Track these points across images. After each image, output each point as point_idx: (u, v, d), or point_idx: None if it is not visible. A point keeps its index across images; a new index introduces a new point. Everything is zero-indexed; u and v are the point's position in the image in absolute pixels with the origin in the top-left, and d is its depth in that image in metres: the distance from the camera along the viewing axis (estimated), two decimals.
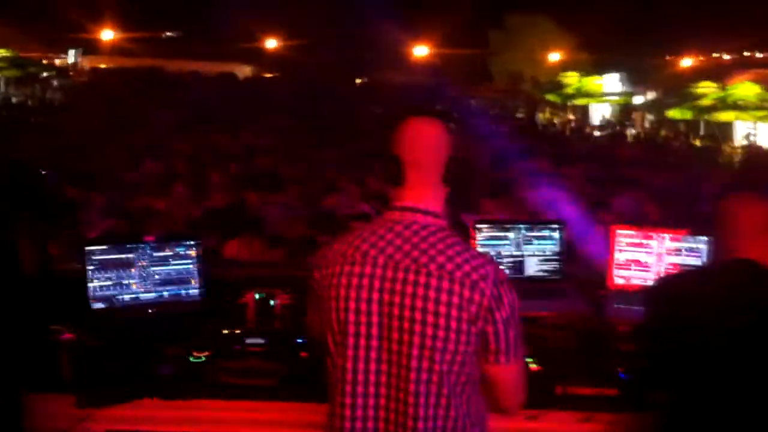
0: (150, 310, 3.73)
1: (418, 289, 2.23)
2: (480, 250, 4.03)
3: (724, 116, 18.47)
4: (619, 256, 4.04)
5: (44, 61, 30.97)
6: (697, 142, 20.36)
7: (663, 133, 22.76)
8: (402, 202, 2.36)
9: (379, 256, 2.29)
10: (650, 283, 3.91)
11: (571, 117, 27.23)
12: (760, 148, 18.78)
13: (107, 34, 30.66)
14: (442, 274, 2.22)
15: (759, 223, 2.50)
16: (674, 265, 3.94)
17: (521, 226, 4.12)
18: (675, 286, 2.63)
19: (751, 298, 2.42)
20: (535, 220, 4.44)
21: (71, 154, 11.18)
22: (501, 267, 3.94)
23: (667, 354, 2.50)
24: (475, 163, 12.41)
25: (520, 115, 27.84)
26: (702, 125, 21.31)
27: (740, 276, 2.46)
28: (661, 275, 2.71)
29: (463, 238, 3.98)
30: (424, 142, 2.36)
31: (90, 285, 3.65)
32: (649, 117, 25.04)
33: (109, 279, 3.67)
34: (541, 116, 27.86)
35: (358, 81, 35.05)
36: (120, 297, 3.70)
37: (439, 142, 2.37)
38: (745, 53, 35.37)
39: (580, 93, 25.95)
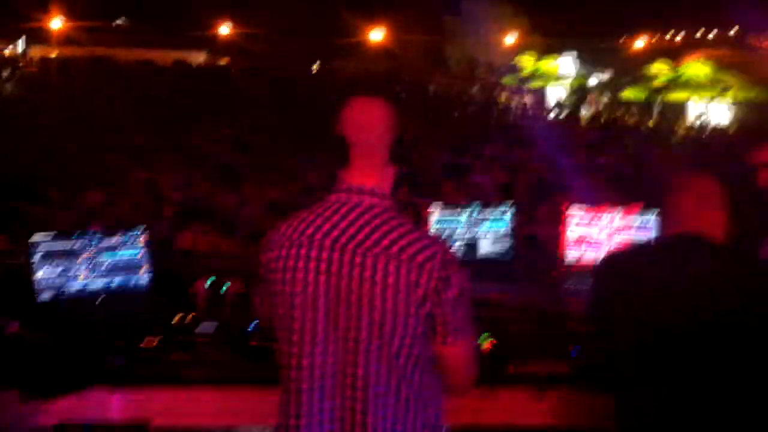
0: (98, 300, 3.66)
1: (363, 272, 2.20)
2: (432, 231, 4.04)
3: (676, 96, 18.73)
4: (571, 235, 4.07)
5: None
6: (650, 123, 20.66)
7: (618, 114, 23.00)
8: (348, 184, 2.33)
9: (324, 239, 2.26)
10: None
11: (527, 100, 27.40)
12: (708, 128, 19.09)
13: (56, 23, 30.05)
14: (388, 257, 2.19)
15: (703, 197, 2.52)
16: (625, 242, 3.97)
17: (473, 207, 4.12)
18: (621, 261, 2.64)
19: (695, 271, 2.43)
20: (487, 201, 4.44)
21: (25, 149, 11.00)
22: (452, 248, 4.02)
23: (615, 330, 2.51)
24: (433, 148, 12.48)
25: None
26: (654, 106, 21.59)
27: (685, 250, 2.48)
28: (608, 251, 2.74)
29: (414, 219, 4.00)
30: (368, 122, 2.33)
31: (35, 277, 3.56)
32: (604, 98, 25.29)
33: (55, 270, 3.60)
34: (501, 100, 28.00)
35: (313, 68, 34.82)
36: (67, 287, 3.62)
37: (383, 122, 2.34)
38: (697, 34, 35.91)
39: (536, 76, 26.14)
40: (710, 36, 34.66)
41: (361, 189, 2.31)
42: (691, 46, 29.57)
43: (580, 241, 4.06)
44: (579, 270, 4.01)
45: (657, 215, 2.69)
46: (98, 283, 3.69)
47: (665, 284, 2.42)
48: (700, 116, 19.93)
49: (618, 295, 2.51)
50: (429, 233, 2.42)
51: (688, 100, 19.32)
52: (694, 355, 2.37)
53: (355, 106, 2.36)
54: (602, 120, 21.67)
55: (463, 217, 4.11)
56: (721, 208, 2.53)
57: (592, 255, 4.03)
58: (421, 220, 4.07)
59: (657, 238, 2.68)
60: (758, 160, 3.56)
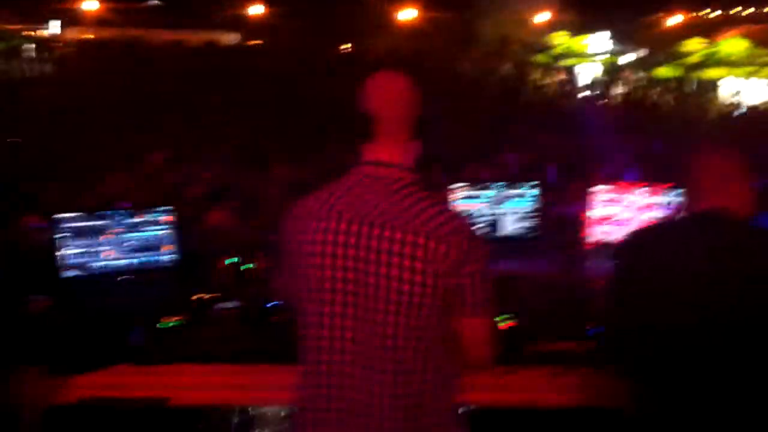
0: (122, 278, 3.69)
1: (384, 243, 2.19)
2: (457, 209, 4.02)
3: (713, 73, 18.41)
4: (595, 213, 4.03)
5: (24, 33, 30.57)
6: (683, 102, 20.37)
7: (651, 92, 22.68)
8: (373, 157, 2.32)
9: (346, 212, 2.25)
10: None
11: (561, 77, 27.10)
12: (743, 106, 18.77)
13: (90, 4, 30.31)
14: (411, 228, 2.18)
15: (726, 173, 2.50)
16: (652, 219, 3.93)
17: (497, 185, 4.10)
18: (642, 239, 2.62)
19: (714, 246, 2.41)
20: (511, 179, 4.41)
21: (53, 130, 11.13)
22: (475, 225, 4.00)
23: (634, 308, 2.49)
24: (461, 128, 12.40)
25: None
26: (686, 84, 21.26)
27: (706, 226, 2.45)
28: (631, 230, 2.72)
29: (437, 194, 3.99)
30: (392, 97, 2.31)
31: (59, 253, 3.60)
32: (637, 76, 24.94)
33: (79, 247, 3.64)
34: (534, 78, 27.71)
35: (342, 48, 34.75)
36: (92, 264, 3.66)
37: (406, 96, 2.32)
38: (732, 11, 35.25)
39: (569, 54, 25.83)
40: (746, 12, 34.07)
41: (388, 162, 2.30)
42: (727, 22, 29.07)
43: (604, 219, 4.02)
44: (603, 248, 3.96)
45: (682, 194, 2.65)
46: (123, 262, 3.72)
47: (685, 261, 2.40)
48: (735, 94, 19.57)
49: (638, 272, 2.49)
50: (452, 208, 2.40)
51: (723, 77, 18.95)
52: (712, 332, 2.35)
53: (378, 81, 2.34)
54: (634, 98, 21.40)
55: (488, 195, 4.08)
56: (744, 184, 2.51)
57: (617, 233, 3.98)
58: (447, 198, 4.05)
59: (679, 217, 2.64)
60: None
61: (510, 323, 3.25)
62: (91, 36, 31.05)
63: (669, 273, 2.41)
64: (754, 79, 18.44)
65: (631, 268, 2.53)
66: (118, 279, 3.70)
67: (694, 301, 2.37)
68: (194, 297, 3.50)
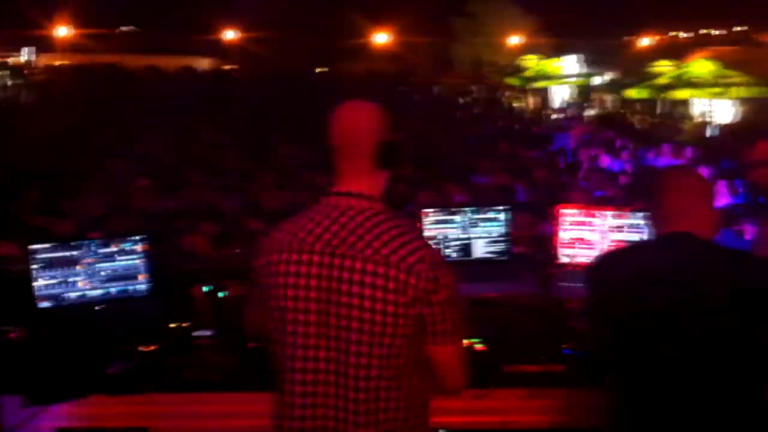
0: (97, 307, 3.71)
1: (354, 275, 2.25)
2: (427, 234, 4.08)
3: (680, 94, 18.64)
4: (564, 235, 4.11)
5: None
6: (650, 119, 20.66)
7: (622, 112, 22.98)
8: (338, 188, 2.38)
9: (316, 243, 2.30)
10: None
11: (531, 100, 27.38)
12: (712, 125, 19.04)
13: (62, 31, 30.24)
14: (378, 259, 2.24)
15: (693, 195, 2.56)
16: (617, 242, 4.01)
17: (467, 209, 4.17)
18: (613, 261, 2.68)
19: (685, 267, 2.46)
20: (481, 203, 4.47)
21: (31, 156, 11.07)
22: (447, 249, 4.06)
23: (610, 330, 2.55)
24: (442, 148, 12.49)
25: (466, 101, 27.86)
26: (658, 104, 21.54)
27: (675, 247, 2.51)
28: (602, 252, 2.78)
29: (410, 221, 4.04)
30: (351, 127, 2.36)
31: (35, 284, 3.62)
32: (608, 98, 25.25)
33: (55, 277, 3.66)
34: (506, 101, 27.99)
35: (317, 70, 34.91)
36: (67, 295, 3.68)
37: (366, 125, 2.36)
38: (702, 31, 35.87)
39: (540, 76, 26.09)
40: (715, 32, 34.70)
41: (350, 192, 2.35)
42: (695, 44, 29.57)
43: (572, 240, 4.10)
44: (573, 269, 4.04)
45: (647, 217, 2.72)
46: (98, 292, 3.74)
47: (656, 280, 2.45)
48: (702, 114, 19.86)
49: (610, 292, 2.55)
50: (419, 236, 2.44)
51: (691, 98, 19.22)
52: (683, 350, 2.41)
53: (339, 113, 2.39)
54: (606, 119, 21.65)
55: (459, 218, 4.15)
56: (710, 206, 2.58)
57: (586, 254, 4.07)
58: (418, 222, 4.11)
59: (649, 238, 2.72)
60: (751, 159, 3.59)
61: (482, 347, 3.30)
62: (66, 62, 30.96)
63: (640, 295, 2.47)
64: (720, 101, 18.71)
65: (604, 289, 2.59)
66: (94, 308, 3.71)
67: (669, 323, 2.42)
68: (171, 325, 3.52)
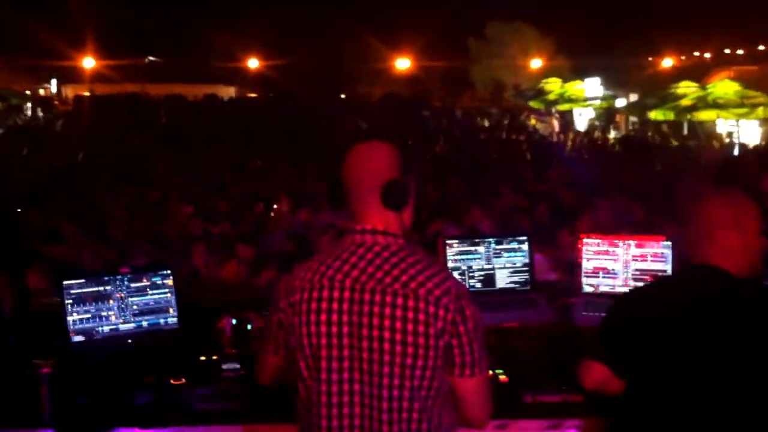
0: (129, 341, 3.79)
1: (384, 309, 2.31)
2: (451, 265, 4.13)
3: (704, 115, 18.62)
4: (587, 265, 4.14)
5: (27, 92, 31.02)
6: (674, 142, 20.57)
7: (647, 134, 22.91)
8: (361, 225, 2.44)
9: (345, 280, 2.37)
10: (618, 289, 4.02)
11: (555, 123, 27.40)
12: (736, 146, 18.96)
13: (88, 62, 30.76)
14: (407, 293, 2.31)
15: (725, 221, 2.48)
16: (641, 271, 4.04)
17: (490, 239, 4.21)
18: (640, 297, 2.67)
19: (711, 304, 2.46)
20: (503, 233, 4.51)
21: (56, 186, 11.26)
22: (471, 280, 4.10)
23: (631, 362, 2.55)
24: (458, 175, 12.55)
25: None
26: (685, 125, 21.49)
27: (701, 284, 2.50)
28: (630, 288, 2.73)
29: (432, 253, 4.10)
30: (364, 167, 2.43)
31: (69, 318, 3.71)
32: (632, 119, 25.22)
33: (88, 312, 3.74)
34: (531, 122, 28.02)
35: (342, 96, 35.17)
36: (99, 329, 3.76)
37: (380, 165, 2.43)
38: (726, 50, 35.72)
39: (563, 98, 26.14)
40: (739, 51, 34.54)
41: (374, 229, 2.42)
42: (718, 64, 29.45)
43: (596, 269, 4.13)
44: (596, 298, 4.06)
45: (674, 245, 2.71)
46: (130, 324, 3.82)
47: (685, 322, 2.45)
48: (728, 135, 19.81)
49: (637, 330, 2.54)
50: (443, 268, 2.51)
51: (716, 118, 19.18)
52: (710, 387, 2.42)
53: (354, 154, 2.47)
54: (630, 141, 21.63)
55: (482, 249, 4.19)
56: (746, 235, 2.48)
57: (609, 283, 4.09)
58: (439, 254, 4.16)
59: (675, 273, 2.70)
60: None
61: (505, 378, 3.33)
62: (87, 93, 31.47)
63: (671, 332, 2.46)
64: (744, 121, 18.65)
65: (630, 325, 2.57)
66: (125, 342, 3.79)
67: (696, 359, 2.43)
68: (199, 358, 3.59)
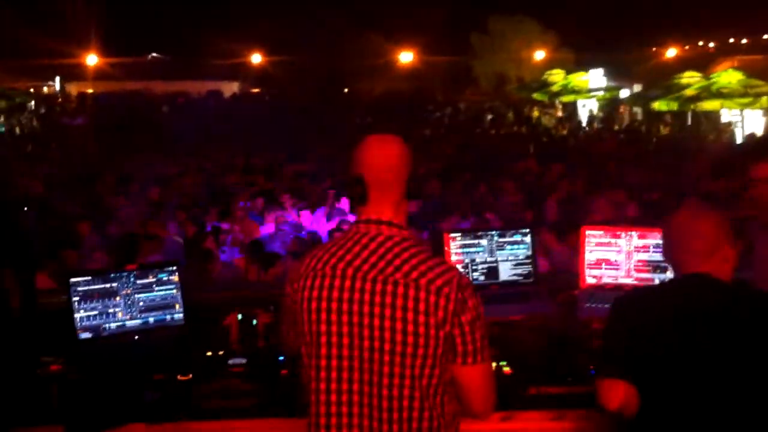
0: (136, 337, 3.82)
1: (386, 298, 2.35)
2: (454, 258, 4.16)
3: (708, 105, 18.56)
4: (590, 256, 4.16)
5: (31, 90, 31.08)
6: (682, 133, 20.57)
7: (651, 125, 22.88)
8: (367, 216, 2.48)
9: (347, 269, 2.41)
10: (621, 280, 4.04)
11: (560, 114, 27.36)
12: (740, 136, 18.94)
13: (92, 59, 30.80)
14: (408, 283, 2.34)
15: (710, 238, 2.55)
16: (643, 261, 4.06)
17: (493, 232, 4.23)
18: (636, 301, 2.67)
19: (705, 312, 2.49)
20: (506, 226, 4.54)
21: (60, 185, 11.32)
22: (474, 273, 4.13)
23: (630, 366, 2.57)
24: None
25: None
26: (689, 116, 21.44)
27: (699, 291, 2.53)
28: (625, 292, 2.73)
29: (435, 247, 4.12)
30: (384, 162, 2.46)
31: (76, 316, 3.74)
32: (636, 110, 25.17)
33: (95, 309, 3.77)
34: (535, 114, 27.97)
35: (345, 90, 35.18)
36: (106, 326, 3.79)
37: (398, 160, 2.47)
38: (730, 40, 35.63)
39: (567, 90, 26.10)
40: (743, 41, 34.44)
41: (379, 220, 2.45)
42: (722, 53, 29.36)
43: (599, 261, 4.15)
44: (599, 290, 4.08)
45: (666, 254, 2.71)
46: (136, 321, 3.85)
47: (676, 327, 2.48)
48: (729, 125, 19.77)
49: (633, 335, 2.55)
50: (443, 260, 2.54)
51: (720, 108, 19.13)
52: (705, 392, 2.45)
53: (370, 146, 2.49)
54: (634, 132, 21.62)
55: (485, 242, 4.21)
56: (727, 246, 2.56)
57: (612, 275, 4.11)
58: (443, 247, 4.18)
59: (670, 281, 2.72)
60: (756, 175, 3.59)
61: (509, 369, 3.36)
62: (90, 90, 31.52)
63: (667, 340, 2.49)
64: (749, 111, 18.60)
65: (626, 332, 2.57)
66: (132, 338, 3.82)
67: (689, 362, 2.46)
68: (205, 353, 3.63)
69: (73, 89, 34.02)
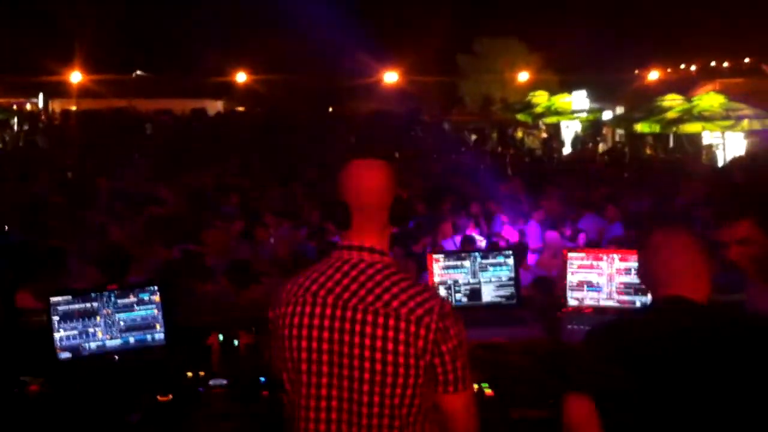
0: (116, 357, 3.79)
1: (366, 327, 2.33)
2: (437, 279, 4.16)
3: (690, 128, 18.71)
4: (572, 278, 4.17)
5: (14, 107, 30.91)
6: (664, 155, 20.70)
7: (633, 147, 23.05)
8: (349, 242, 2.46)
9: (328, 296, 2.39)
10: (603, 303, 4.06)
11: (544, 135, 27.51)
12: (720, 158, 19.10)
13: (76, 77, 30.69)
14: (389, 312, 2.32)
15: (685, 258, 2.52)
16: (625, 284, 4.07)
17: (476, 254, 4.24)
18: (612, 336, 2.65)
19: (687, 337, 2.44)
20: (489, 248, 4.55)
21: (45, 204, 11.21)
22: (457, 294, 4.13)
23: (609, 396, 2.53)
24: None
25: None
26: (671, 138, 21.61)
27: (673, 317, 2.49)
28: (602, 323, 2.67)
29: (418, 269, 4.12)
30: (368, 186, 2.44)
31: (56, 335, 3.70)
32: (619, 131, 25.34)
33: (75, 328, 3.74)
34: (518, 135, 28.10)
35: (330, 109, 35.23)
36: (86, 345, 3.76)
37: (383, 184, 2.45)
38: (712, 63, 36.06)
39: (550, 111, 26.28)
40: (725, 64, 34.86)
41: (362, 246, 2.43)
42: (704, 77, 29.67)
43: (581, 283, 4.16)
44: (581, 312, 4.09)
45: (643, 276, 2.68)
46: (117, 341, 3.82)
47: (660, 353, 2.44)
48: (710, 147, 19.94)
49: (613, 364, 2.52)
50: (427, 287, 2.52)
51: (702, 131, 19.29)
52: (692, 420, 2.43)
53: (353, 171, 2.46)
54: (617, 154, 21.75)
55: (468, 263, 4.22)
56: (706, 268, 2.52)
57: (594, 297, 4.13)
58: (426, 270, 4.19)
59: (647, 307, 2.69)
60: (728, 237, 3.39)
61: (490, 392, 3.35)
62: (74, 107, 31.40)
63: (650, 366, 2.43)
64: (730, 133, 18.77)
65: (605, 361, 2.52)
66: (112, 358, 3.79)
67: (674, 389, 2.40)
68: (186, 374, 3.60)
69: (56, 106, 33.89)
